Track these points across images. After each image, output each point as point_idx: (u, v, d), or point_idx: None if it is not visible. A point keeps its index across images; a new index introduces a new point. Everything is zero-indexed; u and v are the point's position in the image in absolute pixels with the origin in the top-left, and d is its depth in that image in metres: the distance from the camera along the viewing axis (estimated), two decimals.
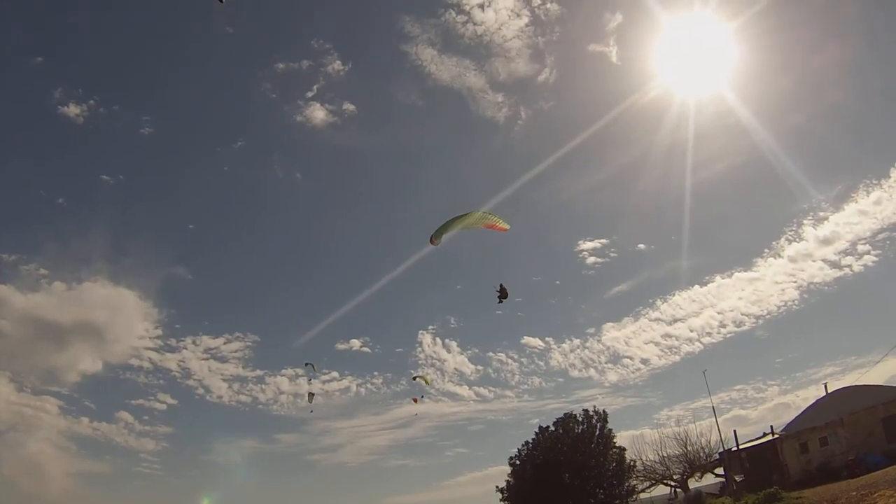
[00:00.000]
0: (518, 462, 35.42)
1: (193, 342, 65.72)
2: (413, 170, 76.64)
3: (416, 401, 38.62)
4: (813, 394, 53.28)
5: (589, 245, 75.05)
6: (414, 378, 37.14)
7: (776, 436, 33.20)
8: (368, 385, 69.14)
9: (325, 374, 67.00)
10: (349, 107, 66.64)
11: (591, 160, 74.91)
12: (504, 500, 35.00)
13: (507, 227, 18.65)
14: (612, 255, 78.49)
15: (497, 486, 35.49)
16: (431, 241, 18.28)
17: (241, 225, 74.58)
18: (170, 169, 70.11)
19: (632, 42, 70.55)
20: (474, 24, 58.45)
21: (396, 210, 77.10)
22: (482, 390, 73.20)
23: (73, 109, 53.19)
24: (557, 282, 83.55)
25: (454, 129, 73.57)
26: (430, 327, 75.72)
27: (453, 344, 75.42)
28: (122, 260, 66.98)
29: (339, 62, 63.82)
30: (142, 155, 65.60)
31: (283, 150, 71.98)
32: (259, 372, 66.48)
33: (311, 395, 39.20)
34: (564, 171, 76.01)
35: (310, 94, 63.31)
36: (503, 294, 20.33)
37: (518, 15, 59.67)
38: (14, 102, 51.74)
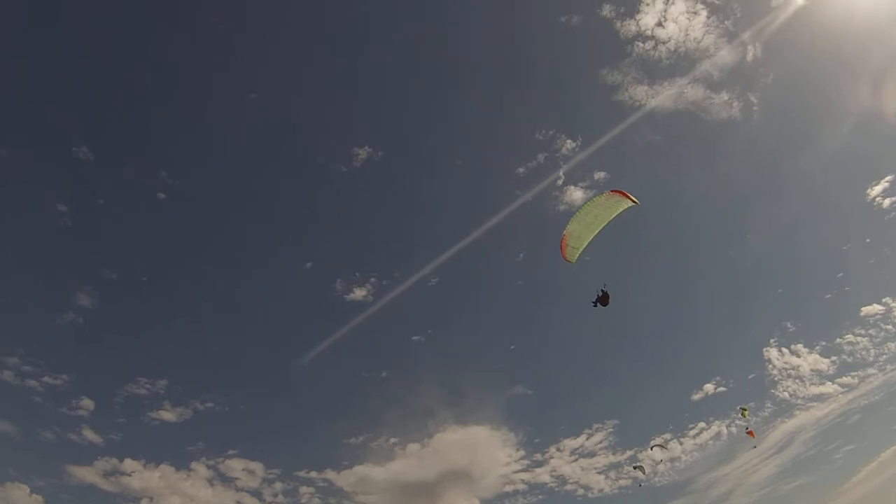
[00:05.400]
0: None
1: (557, 449, 73.73)
2: (678, 202, 78.83)
3: (752, 434, 41.86)
4: None
5: (878, 188, 71.01)
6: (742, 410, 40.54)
7: None
8: (736, 422, 74.58)
9: (691, 428, 72.94)
10: (600, 174, 69.56)
11: (838, 104, 71.89)
12: None
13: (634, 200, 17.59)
14: None
15: None
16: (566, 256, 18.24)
17: (557, 330, 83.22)
18: (467, 307, 78.97)
19: None
20: (663, 43, 59.67)
21: (674, 256, 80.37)
22: (845, 379, 74.64)
23: (358, 293, 61.95)
24: (867, 239, 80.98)
25: (699, 144, 74.98)
26: (772, 341, 78.54)
27: (800, 347, 77.43)
28: (461, 402, 77.72)
29: (569, 141, 67.39)
30: (434, 305, 74.27)
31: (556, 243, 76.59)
32: (629, 452, 73.99)
33: (637, 467, 42.55)
34: (823, 127, 73.76)
35: (560, 182, 67.61)
36: (603, 300, 19.62)
37: (694, 13, 59.11)
38: (300, 301, 60.24)
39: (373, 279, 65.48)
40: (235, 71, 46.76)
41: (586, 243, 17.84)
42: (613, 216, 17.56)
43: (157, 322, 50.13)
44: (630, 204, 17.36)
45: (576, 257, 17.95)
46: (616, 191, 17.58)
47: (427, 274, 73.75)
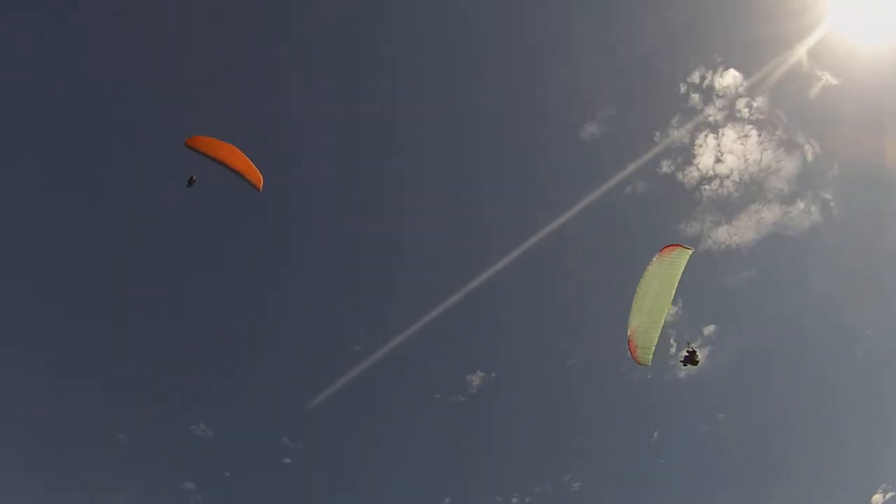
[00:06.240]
0: None
1: None
2: (782, 325, 76.99)
3: None
4: None
5: None
6: None
7: None
8: None
9: None
10: (709, 329, 69.95)
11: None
12: None
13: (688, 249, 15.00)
14: None
15: None
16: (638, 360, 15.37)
17: (704, 498, 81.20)
18: (614, 500, 77.03)
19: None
20: (726, 177, 62.20)
21: (801, 375, 76.04)
22: None
23: None
24: None
25: (792, 261, 73.36)
26: (881, 486, 73.07)
27: None
28: None
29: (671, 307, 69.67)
30: None
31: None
32: None
33: None
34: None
35: (672, 350, 65.49)
36: (692, 359, 16.61)
37: (745, 136, 61.13)
38: None
39: (514, 500, 62.66)
40: (340, 329, 49.81)
41: (657, 337, 15.03)
42: (675, 286, 14.91)
43: None
44: (686, 255, 14.97)
45: (650, 358, 15.16)
46: (664, 249, 15.19)
47: (567, 479, 70.87)
